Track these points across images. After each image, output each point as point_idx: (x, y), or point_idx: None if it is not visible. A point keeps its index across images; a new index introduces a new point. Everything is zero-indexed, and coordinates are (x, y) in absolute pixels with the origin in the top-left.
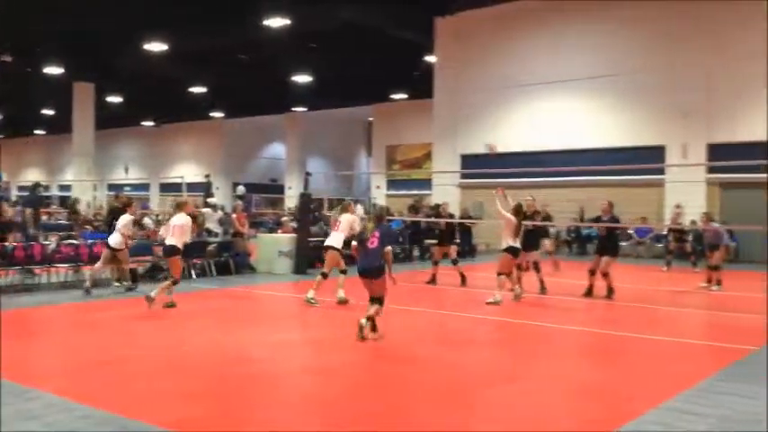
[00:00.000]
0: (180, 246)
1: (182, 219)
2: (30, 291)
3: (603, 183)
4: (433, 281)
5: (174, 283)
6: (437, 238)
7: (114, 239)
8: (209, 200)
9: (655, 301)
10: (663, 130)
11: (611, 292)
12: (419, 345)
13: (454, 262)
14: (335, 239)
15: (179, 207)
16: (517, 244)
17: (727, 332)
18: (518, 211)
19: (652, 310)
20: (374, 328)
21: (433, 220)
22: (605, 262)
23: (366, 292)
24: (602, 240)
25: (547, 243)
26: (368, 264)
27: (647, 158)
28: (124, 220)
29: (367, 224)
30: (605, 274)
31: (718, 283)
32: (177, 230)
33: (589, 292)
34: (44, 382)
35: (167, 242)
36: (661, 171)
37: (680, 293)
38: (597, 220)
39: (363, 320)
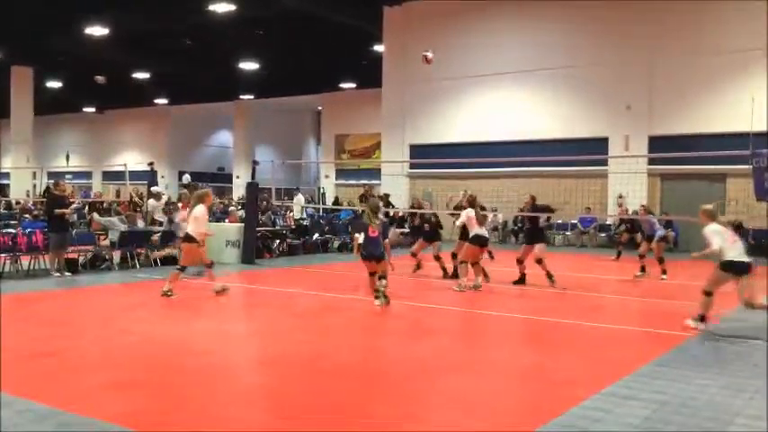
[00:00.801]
0: (195, 235)
1: (201, 210)
2: None
3: (549, 173)
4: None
5: (182, 269)
6: (424, 234)
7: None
8: (152, 188)
9: (599, 290)
10: (607, 123)
11: (551, 277)
12: (369, 334)
13: (437, 257)
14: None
15: (200, 198)
16: (482, 232)
17: (667, 319)
18: (472, 203)
19: (596, 298)
20: (379, 295)
21: (416, 211)
22: (538, 249)
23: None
24: (528, 231)
25: None
26: (372, 250)
27: (592, 150)
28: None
29: (373, 219)
30: (539, 261)
31: (664, 272)
32: (193, 220)
33: (522, 281)
34: None
35: (185, 231)
36: (605, 162)
37: (623, 282)
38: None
39: (378, 300)
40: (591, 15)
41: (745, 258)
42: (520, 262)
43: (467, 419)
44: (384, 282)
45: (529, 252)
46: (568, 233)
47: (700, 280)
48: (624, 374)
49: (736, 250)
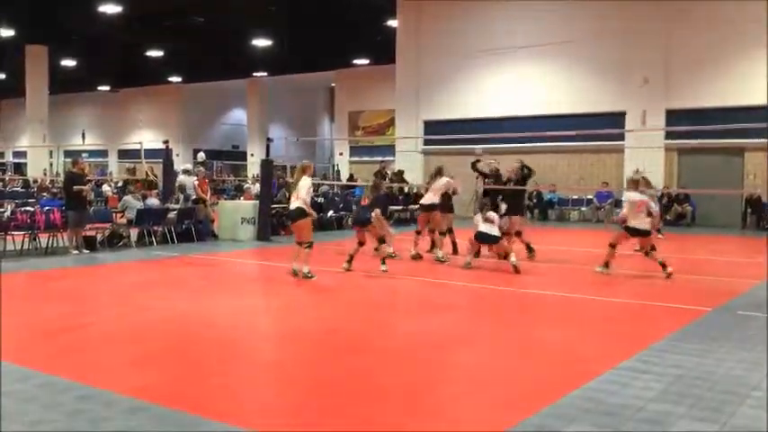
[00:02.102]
0: (306, 208)
1: (306, 182)
2: None
3: (565, 148)
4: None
5: (309, 246)
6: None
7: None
8: (184, 166)
9: (613, 265)
10: (623, 97)
11: (531, 250)
12: (382, 310)
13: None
14: (432, 198)
15: (303, 170)
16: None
17: (682, 294)
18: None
19: (607, 273)
20: (388, 257)
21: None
22: (515, 221)
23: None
24: (510, 201)
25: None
26: (360, 217)
27: (609, 124)
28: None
29: (369, 194)
30: (518, 234)
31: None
32: (302, 194)
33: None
34: (2, 350)
35: (292, 206)
36: (621, 137)
37: (637, 257)
38: (508, 180)
39: (384, 266)
40: None
41: (645, 227)
42: (518, 234)
43: (480, 392)
44: (384, 246)
45: (516, 223)
46: (584, 209)
47: (717, 255)
48: (639, 349)
49: (638, 219)
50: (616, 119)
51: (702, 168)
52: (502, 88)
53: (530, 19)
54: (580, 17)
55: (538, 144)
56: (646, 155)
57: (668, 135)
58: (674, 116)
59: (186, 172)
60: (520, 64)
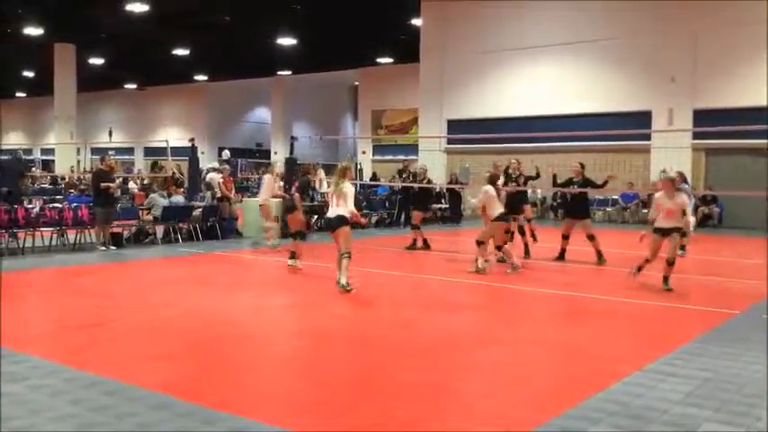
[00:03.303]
0: (348, 216)
1: (351, 189)
2: (14, 254)
3: (590, 148)
4: (413, 246)
5: (348, 256)
6: (414, 203)
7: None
8: (212, 164)
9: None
10: (650, 96)
11: (600, 256)
12: (403, 308)
13: (414, 227)
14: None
15: (344, 173)
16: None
17: (709, 296)
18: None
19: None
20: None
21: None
22: (584, 225)
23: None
24: (573, 203)
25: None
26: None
27: (635, 124)
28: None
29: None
30: (591, 237)
31: (682, 248)
32: (343, 199)
33: (561, 256)
34: (30, 345)
35: (332, 213)
36: (647, 137)
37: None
38: (569, 182)
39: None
40: None
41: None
42: (565, 237)
43: (505, 392)
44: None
45: (572, 226)
46: (609, 209)
47: (744, 257)
48: (667, 351)
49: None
50: (642, 118)
51: (730, 169)
52: (526, 88)
53: (555, 18)
54: (606, 17)
55: (562, 144)
56: (673, 155)
57: (696, 135)
58: (701, 116)
59: (215, 170)
60: (544, 63)
